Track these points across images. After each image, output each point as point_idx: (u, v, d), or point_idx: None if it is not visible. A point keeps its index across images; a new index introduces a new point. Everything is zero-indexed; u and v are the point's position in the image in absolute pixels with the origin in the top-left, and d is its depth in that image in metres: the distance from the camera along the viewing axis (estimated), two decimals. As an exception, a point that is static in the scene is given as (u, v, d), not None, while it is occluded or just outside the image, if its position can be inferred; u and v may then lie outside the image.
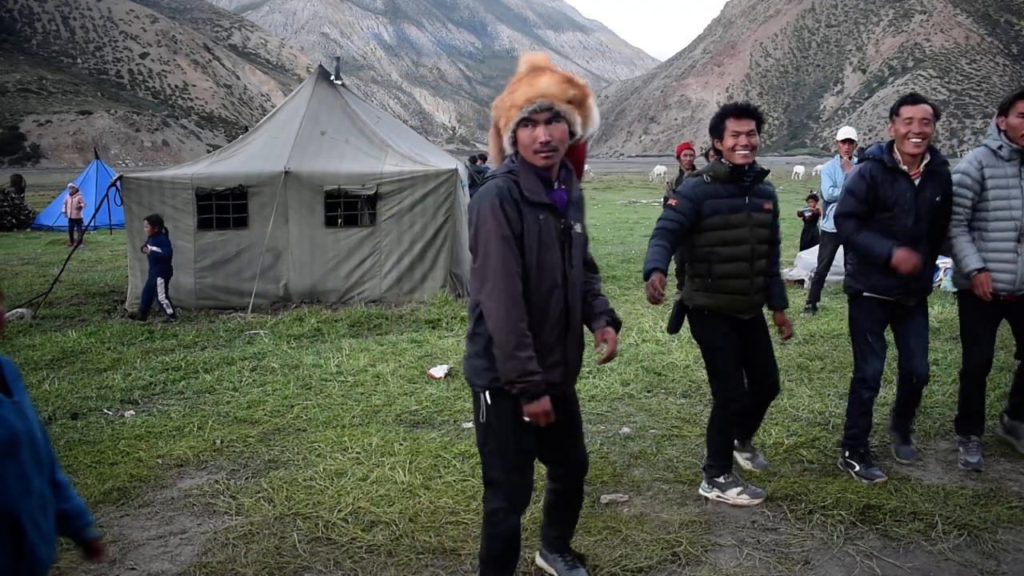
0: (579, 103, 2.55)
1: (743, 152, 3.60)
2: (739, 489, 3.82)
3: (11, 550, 1.84)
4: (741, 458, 4.17)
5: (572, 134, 2.58)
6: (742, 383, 3.83)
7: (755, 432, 4.25)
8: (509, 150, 2.63)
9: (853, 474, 4.07)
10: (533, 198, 2.56)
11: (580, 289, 2.75)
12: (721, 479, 3.86)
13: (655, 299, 3.52)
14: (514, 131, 2.55)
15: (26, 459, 1.88)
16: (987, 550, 3.35)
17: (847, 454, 4.17)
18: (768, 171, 3.77)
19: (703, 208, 3.65)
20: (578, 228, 2.72)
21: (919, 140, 3.88)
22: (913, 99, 3.99)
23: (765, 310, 3.94)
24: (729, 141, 3.63)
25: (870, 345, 4.10)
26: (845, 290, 4.33)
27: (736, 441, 4.07)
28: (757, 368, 3.90)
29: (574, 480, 2.96)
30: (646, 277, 3.57)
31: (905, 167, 3.96)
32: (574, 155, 2.74)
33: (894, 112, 4.00)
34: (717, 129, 3.70)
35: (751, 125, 3.61)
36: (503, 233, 2.50)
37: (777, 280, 3.92)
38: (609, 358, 2.75)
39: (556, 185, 2.64)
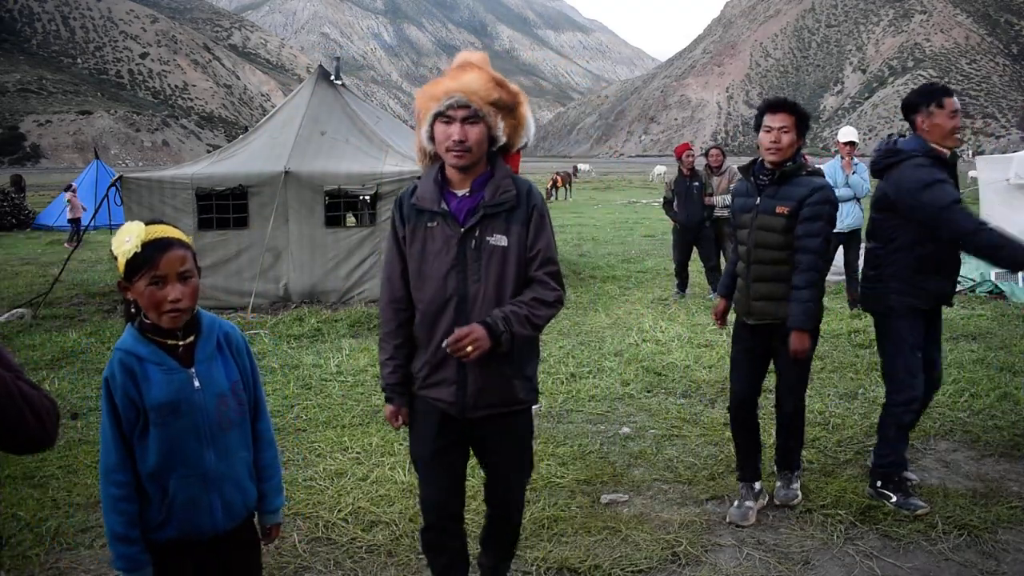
0: (507, 109, 2.41)
1: (770, 147, 3.49)
2: (738, 503, 3.70)
3: (159, 510, 1.97)
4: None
5: (494, 139, 2.42)
6: (738, 388, 3.74)
7: (790, 461, 3.78)
8: (427, 146, 2.46)
9: (890, 504, 3.70)
10: (420, 204, 2.45)
11: (498, 307, 2.41)
12: (741, 488, 3.76)
13: (716, 322, 4.01)
14: (431, 125, 2.41)
15: (184, 428, 1.95)
16: (987, 550, 3.35)
17: (880, 484, 3.77)
18: (799, 169, 3.50)
19: (735, 204, 3.79)
20: (498, 240, 2.41)
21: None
22: (950, 92, 3.68)
23: None
24: (761, 136, 3.53)
25: (919, 361, 3.73)
26: (877, 307, 3.80)
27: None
28: (776, 383, 3.76)
29: (497, 512, 2.74)
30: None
31: None
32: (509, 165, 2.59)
33: (935, 103, 3.63)
34: (757, 124, 3.60)
35: (785, 120, 3.46)
36: (390, 239, 2.53)
37: (795, 295, 3.45)
38: (452, 346, 2.31)
39: (464, 192, 2.44)
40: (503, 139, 2.44)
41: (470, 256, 2.41)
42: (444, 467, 2.58)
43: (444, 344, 2.35)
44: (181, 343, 1.99)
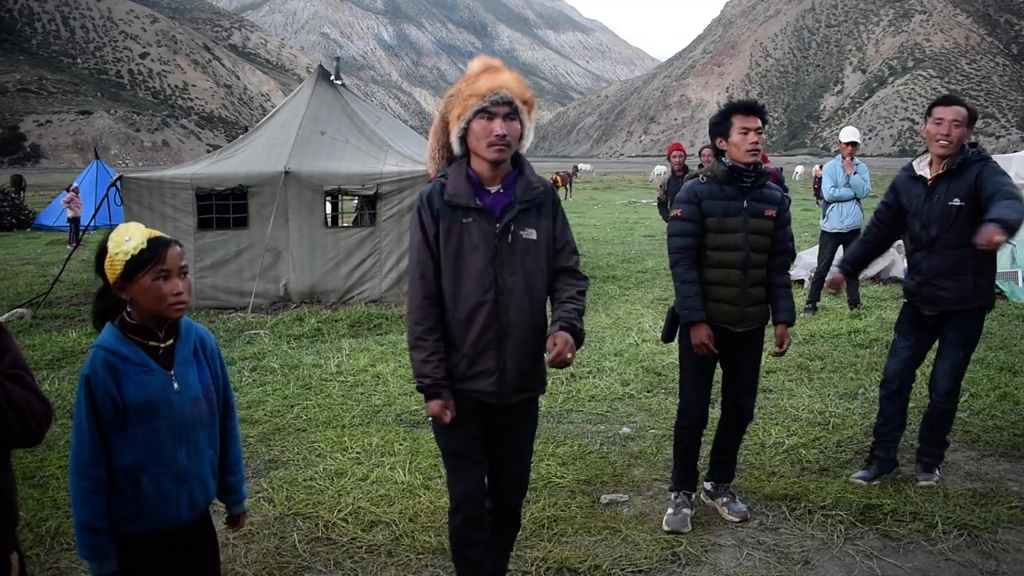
0: (528, 109, 2.54)
1: (751, 149, 3.42)
2: (674, 510, 3.62)
3: (130, 504, 2.05)
4: (717, 504, 3.74)
5: (522, 137, 2.54)
6: (699, 405, 3.62)
7: (730, 472, 3.79)
8: (457, 147, 2.54)
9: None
10: (454, 200, 2.50)
11: (531, 298, 2.56)
12: (672, 495, 3.70)
13: (708, 353, 3.48)
14: (468, 122, 2.47)
15: (161, 428, 2.04)
16: (987, 550, 3.35)
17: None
18: (766, 173, 3.55)
19: (703, 208, 3.49)
20: (529, 234, 2.55)
21: (946, 142, 3.73)
22: (946, 100, 3.86)
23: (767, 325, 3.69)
24: (737, 138, 3.43)
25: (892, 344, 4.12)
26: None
27: (709, 484, 3.81)
28: (730, 388, 3.70)
29: (507, 498, 2.77)
30: (683, 327, 3.52)
31: (923, 172, 3.90)
32: None
33: (927, 113, 3.89)
34: (723, 126, 3.50)
35: (758, 122, 3.45)
36: (417, 237, 2.55)
37: (786, 292, 3.65)
38: (557, 362, 2.44)
39: (497, 189, 2.55)
40: (529, 137, 2.56)
41: (505, 250, 2.52)
42: (478, 458, 2.64)
43: (547, 362, 2.47)
44: (162, 345, 2.06)
